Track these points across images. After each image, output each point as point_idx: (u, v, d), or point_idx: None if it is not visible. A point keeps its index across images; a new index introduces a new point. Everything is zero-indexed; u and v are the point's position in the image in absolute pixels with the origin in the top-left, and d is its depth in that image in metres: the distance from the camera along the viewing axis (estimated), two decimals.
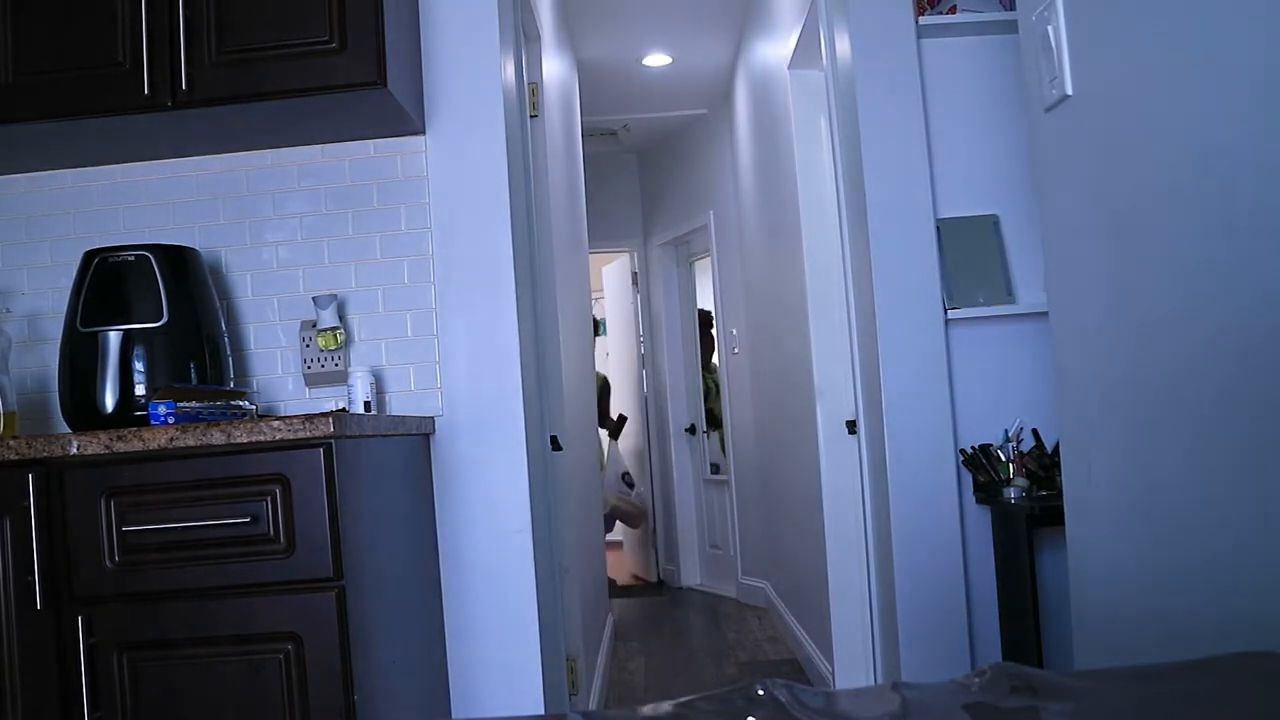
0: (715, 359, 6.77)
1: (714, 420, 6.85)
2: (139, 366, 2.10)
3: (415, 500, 2.33)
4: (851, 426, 3.18)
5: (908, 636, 2.75)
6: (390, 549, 2.10)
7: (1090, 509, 1.58)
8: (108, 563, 1.74)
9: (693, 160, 6.71)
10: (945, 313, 2.76)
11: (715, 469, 6.81)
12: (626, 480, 7.24)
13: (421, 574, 2.33)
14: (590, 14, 4.91)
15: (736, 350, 6.01)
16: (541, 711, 2.44)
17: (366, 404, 2.33)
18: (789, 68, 3.81)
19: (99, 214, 2.45)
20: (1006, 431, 2.72)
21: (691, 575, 6.91)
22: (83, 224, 2.44)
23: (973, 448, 2.74)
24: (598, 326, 7.56)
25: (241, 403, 2.08)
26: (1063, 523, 1.67)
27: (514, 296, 2.46)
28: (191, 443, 1.74)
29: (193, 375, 2.15)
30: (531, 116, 3.21)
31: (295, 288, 2.44)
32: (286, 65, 2.09)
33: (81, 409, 2.12)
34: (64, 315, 2.17)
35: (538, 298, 2.87)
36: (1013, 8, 2.69)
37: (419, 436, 2.36)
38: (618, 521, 7.27)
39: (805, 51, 3.56)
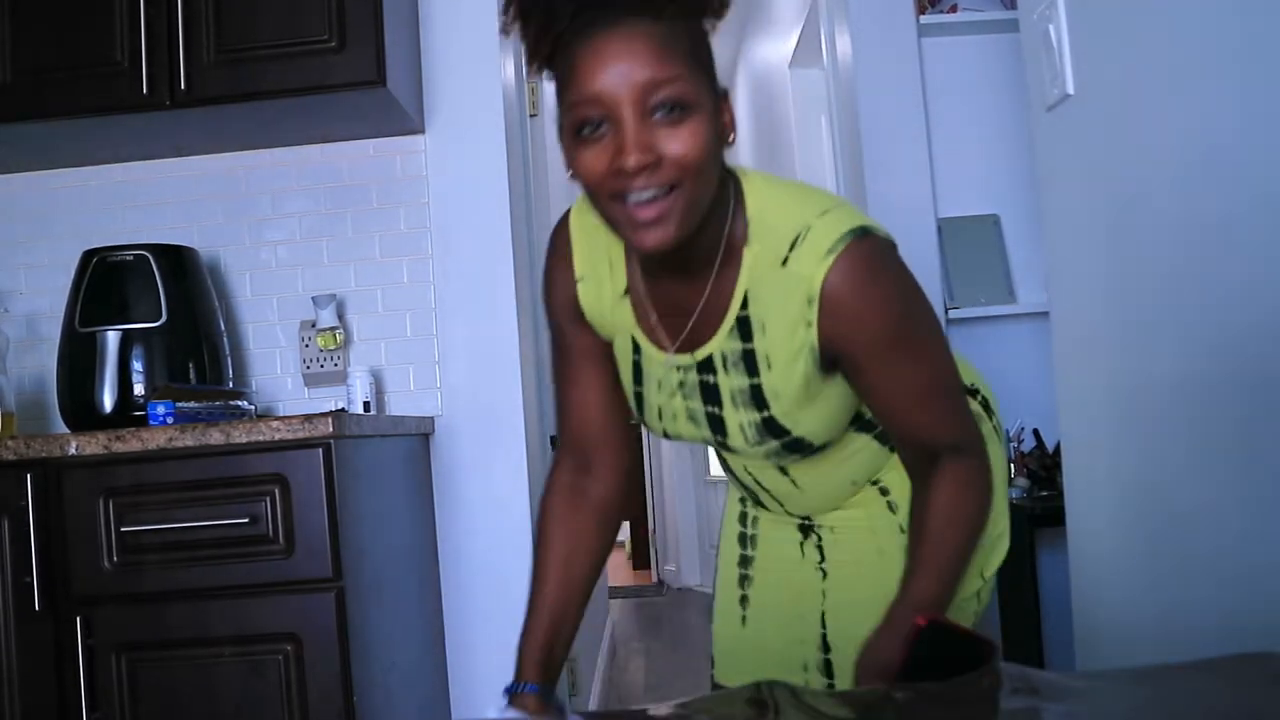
0: None
1: None
2: (137, 366, 2.09)
3: (415, 500, 2.32)
4: None
5: None
6: (390, 549, 2.10)
7: (1091, 509, 1.57)
8: (106, 563, 1.74)
9: None
10: (946, 312, 2.75)
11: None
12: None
13: (421, 574, 2.32)
14: None
15: None
16: None
17: (366, 404, 2.32)
18: (789, 67, 3.80)
19: (97, 213, 2.44)
20: (1007, 431, 2.71)
21: (691, 575, 6.90)
22: (81, 223, 2.43)
23: None
24: None
25: (240, 403, 2.07)
26: (1064, 523, 1.67)
27: (514, 296, 2.46)
28: (190, 443, 1.73)
29: (191, 375, 2.14)
30: (531, 116, 3.21)
31: (294, 288, 2.44)
32: (285, 64, 2.08)
33: (80, 409, 2.11)
34: (62, 315, 2.16)
35: (537, 297, 2.87)
36: (1014, 7, 2.68)
37: (418, 436, 2.36)
38: None
39: (806, 50, 3.56)
